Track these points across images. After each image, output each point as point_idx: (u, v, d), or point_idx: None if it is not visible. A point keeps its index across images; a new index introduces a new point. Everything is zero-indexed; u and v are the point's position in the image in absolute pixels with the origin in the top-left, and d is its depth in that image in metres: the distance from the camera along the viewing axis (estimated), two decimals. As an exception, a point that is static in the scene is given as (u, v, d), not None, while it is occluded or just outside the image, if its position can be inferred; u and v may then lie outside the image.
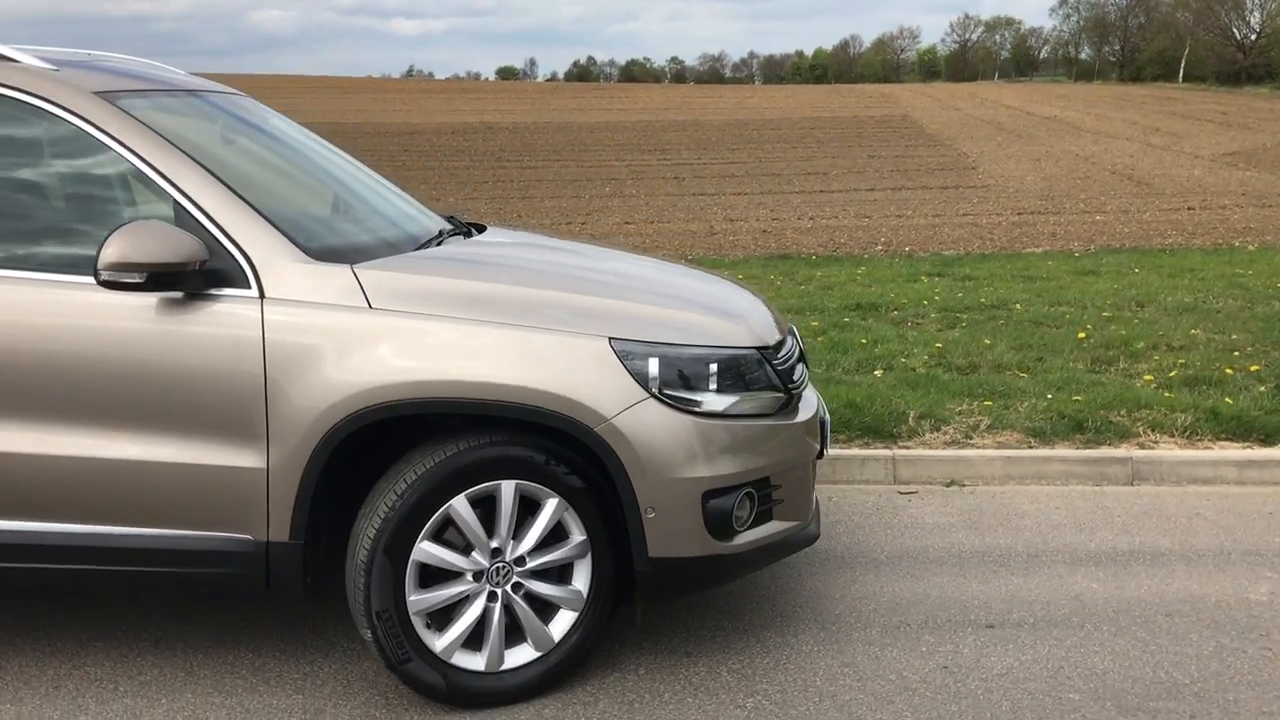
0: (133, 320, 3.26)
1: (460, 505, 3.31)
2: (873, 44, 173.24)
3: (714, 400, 3.48)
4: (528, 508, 3.41)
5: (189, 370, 3.25)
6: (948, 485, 5.56)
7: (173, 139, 3.42)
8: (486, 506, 3.37)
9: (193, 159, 3.38)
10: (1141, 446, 5.80)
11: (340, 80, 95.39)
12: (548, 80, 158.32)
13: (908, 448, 5.78)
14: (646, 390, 3.35)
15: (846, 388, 6.75)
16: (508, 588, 3.41)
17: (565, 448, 3.39)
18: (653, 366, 3.37)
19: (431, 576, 3.35)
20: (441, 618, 3.39)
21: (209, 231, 3.30)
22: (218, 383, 3.25)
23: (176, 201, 3.33)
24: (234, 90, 4.60)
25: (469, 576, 3.37)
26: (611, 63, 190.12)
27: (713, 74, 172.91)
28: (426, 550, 3.30)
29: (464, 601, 3.39)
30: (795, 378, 3.81)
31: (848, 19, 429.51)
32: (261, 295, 3.29)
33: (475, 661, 3.40)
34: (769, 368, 3.65)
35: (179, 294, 3.26)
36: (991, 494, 5.42)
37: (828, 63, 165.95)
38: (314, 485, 3.27)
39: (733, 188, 26.76)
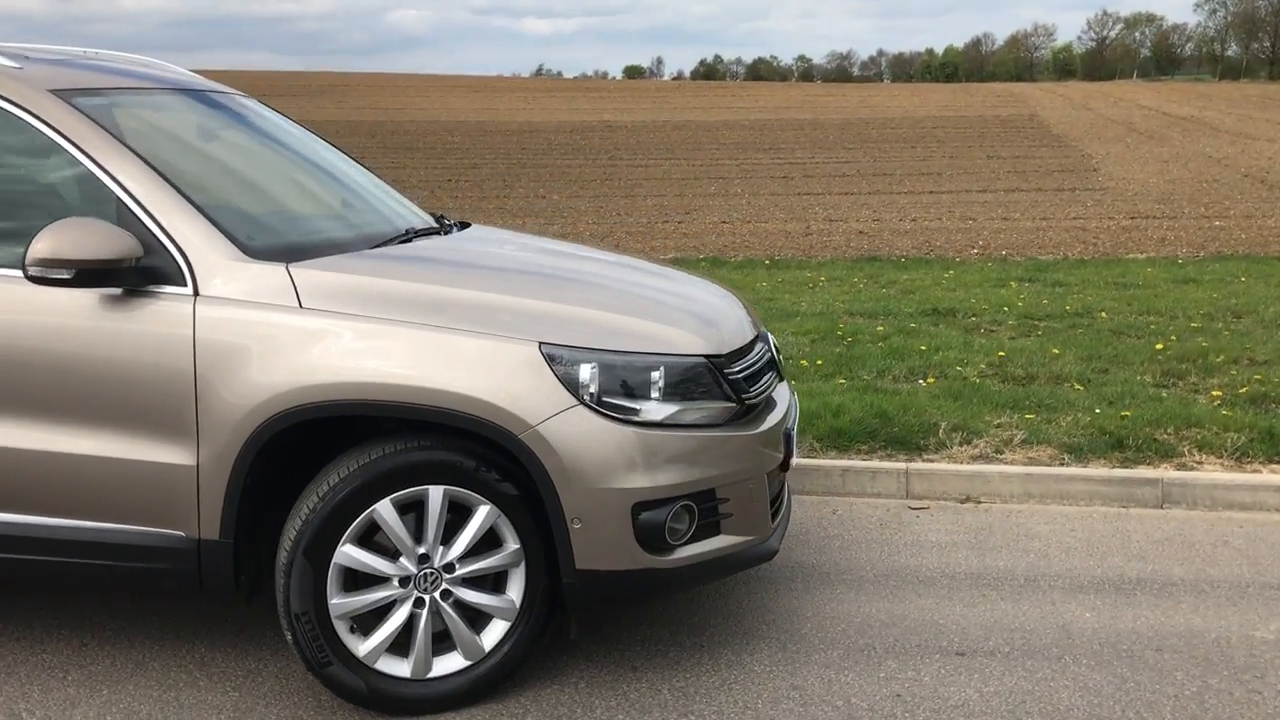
0: (73, 316, 3.30)
1: (385, 509, 3.27)
2: (1006, 42, 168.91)
3: (653, 409, 3.37)
4: (461, 514, 3.35)
5: (123, 366, 3.28)
6: (963, 502, 5.33)
7: (123, 136, 3.46)
8: (418, 511, 3.33)
9: (139, 157, 3.41)
10: (1182, 468, 5.47)
11: (470, 79, 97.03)
12: (673, 79, 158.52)
13: (928, 461, 5.56)
14: (576, 397, 3.26)
15: (883, 396, 6.54)
16: (436, 595, 3.36)
17: (496, 454, 3.32)
18: (584, 373, 3.28)
19: (357, 580, 3.32)
20: (369, 622, 3.36)
21: (148, 229, 3.33)
22: (151, 379, 3.28)
23: (118, 198, 3.36)
24: (232, 90, 4.65)
25: (395, 582, 3.33)
26: (738, 61, 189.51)
27: (840, 72, 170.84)
28: (349, 554, 3.27)
29: (391, 607, 3.34)
30: (754, 387, 3.67)
31: (981, 16, 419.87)
32: (196, 293, 3.31)
33: (401, 668, 3.36)
34: (719, 376, 3.52)
35: (118, 290, 3.29)
36: (1007, 513, 5.17)
37: (958, 61, 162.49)
38: (242, 484, 3.27)
39: (841, 187, 26.38)
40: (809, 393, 6.54)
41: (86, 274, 3.18)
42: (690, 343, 3.52)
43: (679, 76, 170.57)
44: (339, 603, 3.29)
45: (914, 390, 6.81)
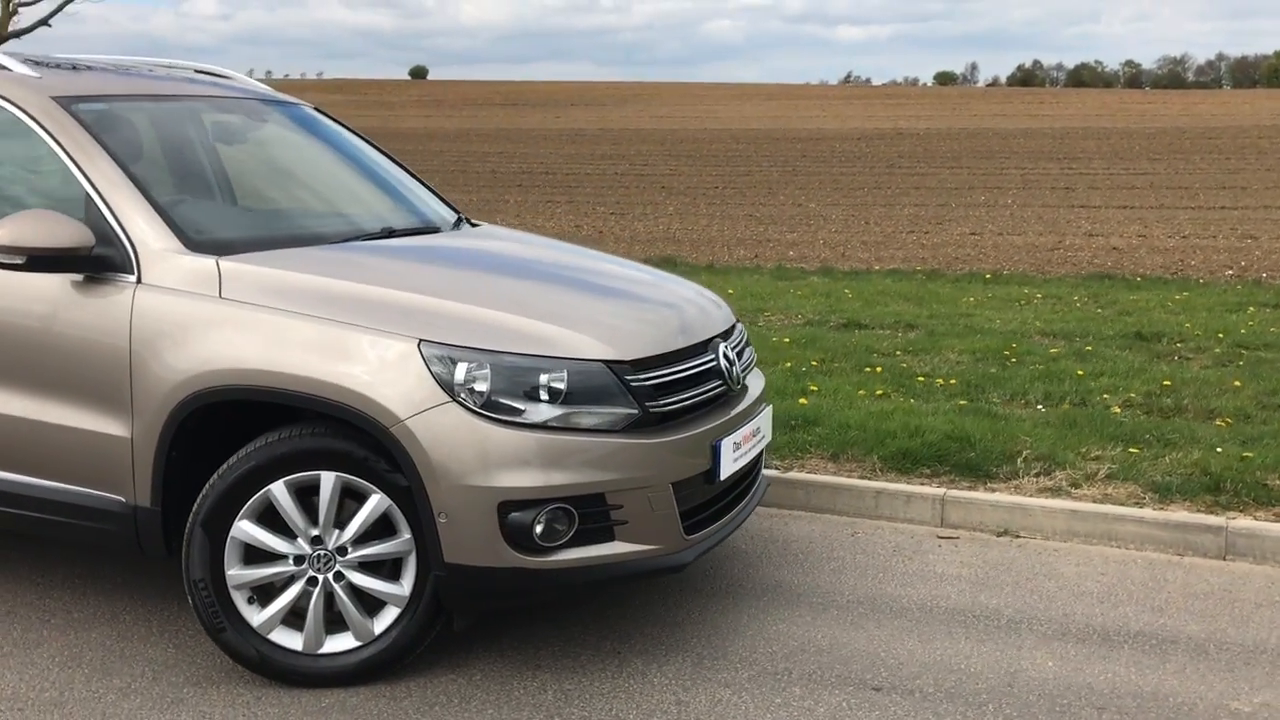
0: (41, 297, 3.70)
1: (279, 490, 3.48)
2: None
3: (538, 411, 3.42)
4: (360, 501, 3.51)
5: (77, 344, 3.66)
6: (999, 535, 4.99)
7: (105, 139, 3.84)
8: (316, 495, 3.51)
9: (111, 157, 3.78)
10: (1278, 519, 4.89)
11: (770, 88, 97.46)
12: (989, 85, 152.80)
13: (971, 490, 5.23)
14: (450, 395, 3.35)
15: (983, 420, 6.19)
16: (329, 575, 3.54)
17: (388, 445, 3.45)
18: (460, 372, 3.37)
19: (256, 555, 3.54)
20: (269, 594, 3.57)
21: (107, 222, 3.69)
22: (97, 357, 3.64)
23: (86, 193, 3.74)
24: (295, 100, 5.02)
25: (290, 560, 3.53)
26: (1059, 66, 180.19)
27: (1172, 78, 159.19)
28: (245, 529, 3.50)
29: (287, 583, 3.55)
30: (671, 395, 3.63)
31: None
32: (139, 280, 3.64)
33: (294, 641, 3.56)
34: (620, 382, 3.51)
35: (79, 276, 3.67)
36: (1039, 550, 4.80)
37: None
38: (166, 457, 3.57)
39: (1123, 200, 24.76)
40: (899, 411, 6.28)
41: (38, 260, 3.57)
42: (589, 347, 3.53)
43: (993, 83, 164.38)
44: (236, 574, 3.53)
45: (1025, 416, 6.40)
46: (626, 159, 38.74)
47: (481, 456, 3.34)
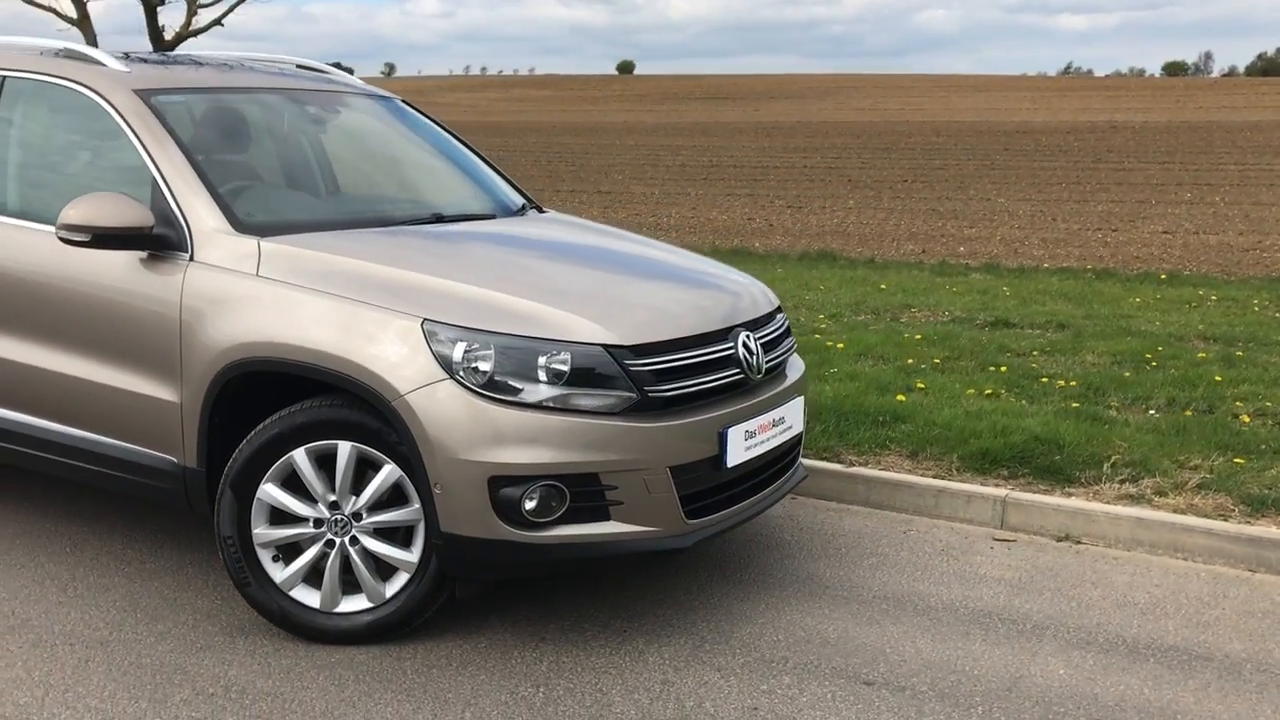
0: (113, 272, 4.05)
1: (299, 457, 3.71)
2: None
3: (534, 391, 3.53)
4: (375, 469, 3.71)
5: (140, 315, 3.99)
6: (1059, 540, 4.81)
7: (173, 128, 4.16)
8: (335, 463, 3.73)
9: (178, 145, 4.10)
10: (1373, 536, 4.55)
11: (978, 79, 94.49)
12: (1223, 75, 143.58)
13: (1035, 492, 5.06)
14: (448, 372, 3.51)
15: (1083, 423, 5.96)
16: (345, 539, 3.75)
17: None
18: (458, 351, 3.52)
19: (280, 517, 3.79)
20: (292, 554, 3.82)
21: (168, 204, 4.01)
22: (153, 328, 3.96)
23: (154, 177, 4.07)
24: (384, 93, 5.31)
25: (310, 523, 3.76)
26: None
27: None
28: (269, 492, 3.75)
29: (306, 544, 3.78)
30: (673, 381, 3.69)
31: None
32: (191, 258, 3.94)
33: (313, 599, 3.79)
34: (620, 366, 3.60)
35: (144, 254, 4.00)
36: (1096, 557, 4.61)
37: None
38: (209, 423, 3.87)
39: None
40: (997, 411, 6.11)
41: (103, 238, 3.90)
42: (588, 331, 3.62)
43: (1229, 73, 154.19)
44: (261, 533, 3.78)
45: (1134, 421, 6.12)
46: (819, 152, 38.39)
47: (474, 433, 3.49)
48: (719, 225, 20.46)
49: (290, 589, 3.80)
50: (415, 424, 3.51)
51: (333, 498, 3.74)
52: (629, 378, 3.61)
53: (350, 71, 5.60)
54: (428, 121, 5.38)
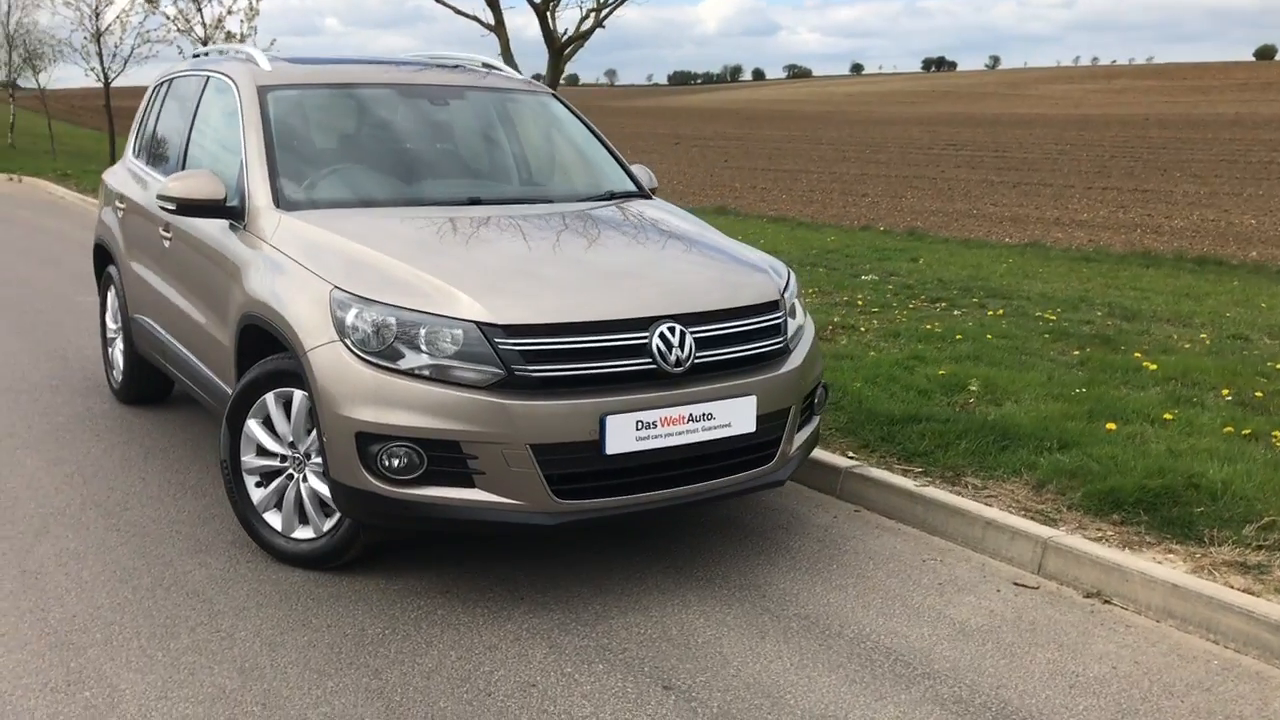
0: (207, 234, 4.92)
1: (270, 400, 4.30)
2: None
3: (410, 359, 3.82)
4: (323, 418, 4.21)
5: (213, 272, 4.83)
6: (1087, 595, 4.10)
7: (271, 119, 4.93)
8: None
9: (265, 133, 4.85)
10: None
11: None
12: None
13: (1077, 536, 4.32)
14: (340, 335, 3.90)
15: (1242, 465, 4.92)
16: (300, 476, 4.29)
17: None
18: (350, 316, 3.90)
19: (262, 450, 4.40)
20: (269, 480, 4.41)
21: (244, 182, 4.77)
22: (219, 285, 4.77)
23: (241, 159, 4.87)
24: (539, 88, 5.82)
25: (278, 458, 4.34)
26: None
27: None
28: (251, 428, 4.37)
29: (275, 475, 4.37)
30: (549, 362, 3.78)
31: None
32: (245, 227, 4.68)
33: (278, 522, 4.38)
34: (490, 344, 3.77)
35: (225, 221, 4.82)
36: (1116, 621, 3.89)
37: None
38: (238, 365, 4.59)
39: None
40: (1186, 452, 5.21)
41: (185, 208, 4.75)
42: (465, 308, 3.83)
43: None
44: (246, 460, 4.42)
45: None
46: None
47: (349, 391, 3.85)
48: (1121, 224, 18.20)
49: (264, 511, 4.41)
50: (311, 377, 3.95)
51: (291, 438, 4.29)
52: (498, 356, 3.77)
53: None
54: (567, 115, 5.75)
